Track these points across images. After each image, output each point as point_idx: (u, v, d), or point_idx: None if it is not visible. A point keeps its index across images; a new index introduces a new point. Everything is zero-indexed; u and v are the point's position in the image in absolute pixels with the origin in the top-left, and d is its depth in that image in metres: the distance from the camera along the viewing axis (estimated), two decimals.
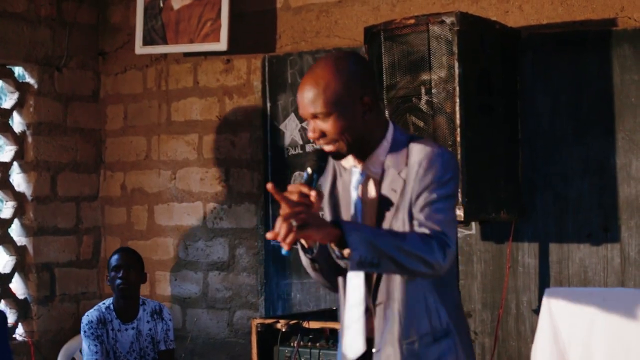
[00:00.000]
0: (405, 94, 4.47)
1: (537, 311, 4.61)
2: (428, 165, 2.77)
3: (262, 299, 5.59)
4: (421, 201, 2.76)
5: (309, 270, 2.94)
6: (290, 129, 5.51)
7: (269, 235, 2.56)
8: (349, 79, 2.79)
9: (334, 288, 3.03)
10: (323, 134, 2.81)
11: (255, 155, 5.68)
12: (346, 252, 2.59)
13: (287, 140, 5.51)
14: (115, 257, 5.07)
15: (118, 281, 4.99)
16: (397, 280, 2.83)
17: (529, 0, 4.92)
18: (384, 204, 2.83)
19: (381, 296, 2.85)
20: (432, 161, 2.77)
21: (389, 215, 2.82)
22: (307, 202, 2.68)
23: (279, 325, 4.82)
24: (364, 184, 2.89)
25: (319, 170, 2.83)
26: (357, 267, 2.61)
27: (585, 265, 4.72)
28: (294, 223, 2.53)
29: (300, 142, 5.45)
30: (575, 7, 4.81)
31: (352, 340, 2.91)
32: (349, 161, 2.90)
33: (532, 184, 4.82)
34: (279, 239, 2.54)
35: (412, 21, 4.45)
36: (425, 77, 4.42)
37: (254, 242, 5.68)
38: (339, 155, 2.85)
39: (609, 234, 4.68)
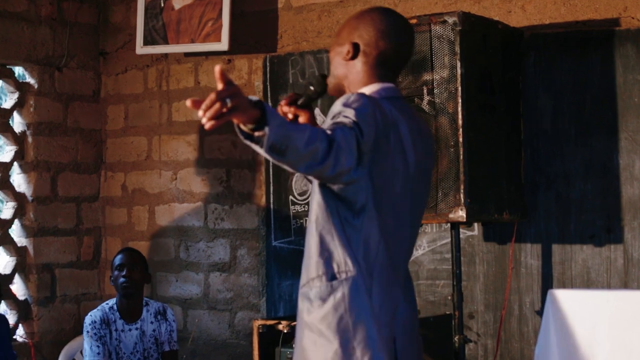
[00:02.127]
0: (407, 94, 4.45)
1: (540, 312, 4.60)
2: (335, 104, 2.79)
3: (263, 300, 5.58)
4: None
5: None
6: None
7: (189, 104, 2.45)
8: (355, 20, 2.94)
9: None
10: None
11: (256, 156, 5.67)
12: (260, 132, 2.52)
13: None
14: (119, 256, 5.08)
15: (121, 280, 4.99)
16: (309, 229, 2.86)
17: (531, 0, 4.90)
18: None
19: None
20: (335, 103, 2.79)
21: None
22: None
23: (280, 327, 4.81)
24: None
25: (311, 93, 3.04)
26: (268, 148, 2.53)
27: (588, 267, 4.71)
28: (229, 103, 2.45)
29: None
30: (578, 7, 4.80)
31: None
32: None
33: (534, 184, 4.80)
34: (207, 114, 2.44)
35: (414, 21, 4.44)
36: (427, 77, 4.41)
37: (255, 243, 5.67)
38: (332, 92, 2.99)
39: (612, 234, 4.66)
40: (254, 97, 2.51)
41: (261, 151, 2.54)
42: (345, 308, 2.77)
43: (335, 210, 2.80)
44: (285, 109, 3.05)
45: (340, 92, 2.96)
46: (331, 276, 2.80)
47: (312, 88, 3.03)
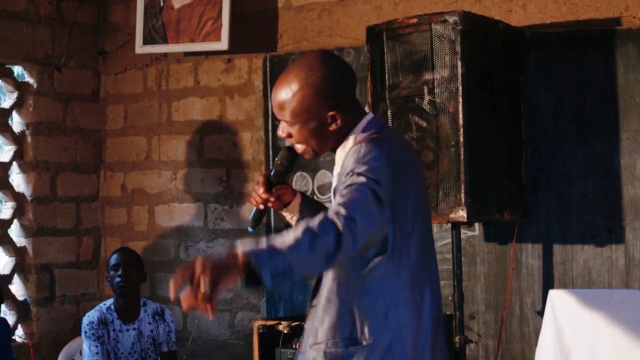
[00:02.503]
0: (407, 93, 4.45)
1: (541, 313, 4.59)
2: (346, 162, 2.74)
3: (263, 301, 5.57)
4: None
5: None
6: None
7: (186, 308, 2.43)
8: (317, 92, 2.80)
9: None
10: (289, 135, 2.89)
11: (256, 156, 5.66)
12: (254, 275, 2.46)
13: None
14: (114, 256, 5.08)
15: (117, 279, 4.99)
16: (325, 282, 2.79)
17: None
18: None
19: (316, 299, 2.85)
20: (348, 156, 2.75)
21: None
22: (259, 198, 2.99)
23: (280, 327, 4.80)
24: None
25: (283, 169, 3.02)
26: (273, 282, 2.46)
27: (589, 267, 4.70)
28: (204, 290, 2.39)
29: None
30: (579, 6, 4.79)
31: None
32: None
33: (535, 184, 4.80)
34: (186, 306, 2.42)
35: (414, 20, 4.43)
36: (428, 76, 4.40)
37: None
38: (307, 156, 2.93)
39: (613, 235, 4.65)
40: (222, 253, 2.47)
41: (270, 285, 2.48)
42: None
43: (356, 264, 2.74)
44: (264, 196, 2.98)
45: (329, 149, 2.90)
46: (349, 342, 2.74)
47: (279, 163, 3.04)
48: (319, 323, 2.79)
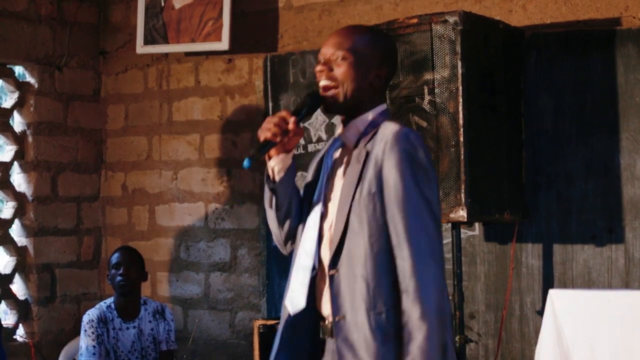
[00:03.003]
0: (408, 93, 4.45)
1: (540, 312, 4.59)
2: (392, 145, 2.79)
3: (264, 300, 5.57)
4: (394, 211, 2.78)
5: (267, 206, 3.01)
6: None
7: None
8: (380, 46, 2.94)
9: (284, 241, 3.07)
10: (331, 70, 2.91)
11: (256, 155, 5.64)
12: None
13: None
14: (116, 255, 5.08)
15: (118, 278, 4.99)
16: (362, 252, 2.81)
17: None
18: (350, 171, 2.88)
19: (340, 265, 2.84)
20: (396, 141, 2.80)
21: (351, 185, 2.85)
22: (284, 126, 2.86)
23: None
24: (340, 149, 2.98)
25: (309, 107, 2.93)
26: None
27: (589, 267, 4.70)
28: None
29: (302, 142, 5.43)
30: (579, 6, 4.79)
31: (296, 298, 2.92)
32: (338, 129, 2.99)
33: (535, 184, 4.80)
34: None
35: (415, 20, 4.44)
36: (428, 76, 4.40)
37: (255, 243, 5.66)
38: (331, 104, 2.92)
39: (613, 234, 4.65)
40: None
41: None
42: None
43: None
44: (292, 125, 2.91)
45: (351, 109, 2.93)
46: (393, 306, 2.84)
47: (304, 102, 2.96)
48: (376, 292, 2.81)
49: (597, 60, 4.70)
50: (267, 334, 4.84)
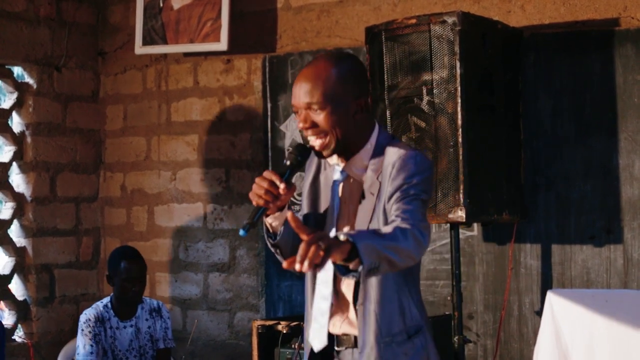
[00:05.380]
0: (406, 94, 4.45)
1: (539, 313, 4.59)
2: (400, 166, 2.86)
3: (262, 301, 5.57)
4: (393, 200, 2.83)
5: (274, 252, 3.05)
6: (291, 129, 5.48)
7: (285, 265, 2.54)
8: (347, 77, 2.91)
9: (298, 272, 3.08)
10: (314, 125, 2.90)
11: (255, 156, 5.66)
12: (354, 263, 2.60)
13: (287, 141, 5.49)
14: (127, 266, 4.89)
15: (132, 293, 4.91)
16: (372, 280, 2.88)
17: (531, 0, 4.89)
18: (364, 205, 2.93)
19: (361, 297, 2.92)
20: (404, 162, 2.86)
21: (366, 217, 2.90)
22: (274, 192, 2.83)
23: (279, 327, 4.80)
24: (344, 183, 2.99)
25: (299, 162, 2.93)
26: (366, 275, 2.63)
27: (587, 267, 4.70)
28: (322, 245, 2.52)
29: (302, 143, 5.42)
30: (577, 7, 4.79)
31: (318, 332, 2.98)
32: (333, 159, 2.99)
33: (534, 185, 4.80)
34: (307, 262, 2.51)
35: (413, 21, 4.43)
36: (426, 77, 4.40)
37: (254, 244, 5.66)
38: (326, 151, 2.92)
39: (611, 235, 4.65)
40: (340, 235, 2.59)
41: (356, 275, 2.65)
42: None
43: None
44: (282, 190, 2.87)
45: (348, 147, 2.94)
46: (417, 328, 2.95)
47: (295, 157, 2.94)
48: (388, 317, 2.90)
49: (596, 60, 4.70)
50: (266, 334, 4.84)
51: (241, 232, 2.79)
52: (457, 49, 4.33)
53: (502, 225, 4.81)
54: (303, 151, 2.93)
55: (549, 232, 4.78)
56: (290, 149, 3.01)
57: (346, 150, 2.94)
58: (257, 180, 2.87)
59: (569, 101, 4.76)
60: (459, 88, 4.33)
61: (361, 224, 2.90)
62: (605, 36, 4.67)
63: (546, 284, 4.74)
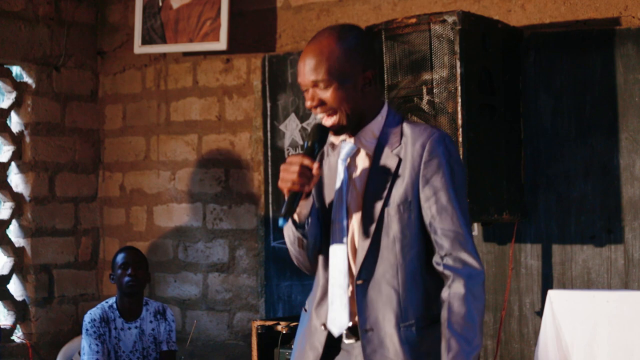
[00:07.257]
0: (406, 93, 4.44)
1: (540, 313, 4.59)
2: (431, 152, 2.80)
3: (262, 301, 5.56)
4: (432, 202, 2.79)
5: (295, 247, 2.94)
6: (290, 129, 5.48)
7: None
8: (352, 50, 2.82)
9: (312, 269, 3.00)
10: (322, 102, 2.83)
11: (255, 156, 5.65)
12: None
13: (287, 141, 5.48)
14: (122, 255, 5.04)
15: (127, 279, 4.96)
16: (392, 262, 2.81)
17: None
18: (375, 178, 2.84)
19: (367, 275, 2.83)
20: (434, 147, 2.80)
21: (379, 191, 2.82)
22: (307, 173, 2.77)
23: (279, 327, 4.80)
24: (353, 156, 2.91)
25: (320, 141, 2.86)
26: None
27: (588, 267, 4.69)
28: None
29: (301, 142, 5.42)
30: (578, 6, 4.78)
31: (337, 315, 2.87)
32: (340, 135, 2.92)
33: (534, 184, 4.79)
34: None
35: (413, 20, 4.43)
36: (426, 76, 4.39)
37: (254, 244, 5.65)
38: (338, 128, 2.85)
39: (612, 235, 4.65)
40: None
41: None
42: None
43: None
44: (315, 171, 2.82)
45: (358, 122, 2.87)
46: (435, 318, 2.87)
47: (315, 139, 2.88)
48: (406, 302, 2.82)
49: (596, 60, 4.69)
50: (266, 334, 4.83)
51: (281, 222, 2.72)
52: (457, 48, 4.33)
53: (503, 225, 4.80)
54: (323, 129, 2.86)
55: (549, 232, 4.77)
56: (309, 129, 2.91)
57: (358, 125, 2.86)
58: (283, 167, 2.80)
59: (570, 100, 4.75)
60: (459, 87, 4.32)
61: (371, 201, 2.82)
62: (606, 35, 4.66)
63: (547, 284, 4.74)
